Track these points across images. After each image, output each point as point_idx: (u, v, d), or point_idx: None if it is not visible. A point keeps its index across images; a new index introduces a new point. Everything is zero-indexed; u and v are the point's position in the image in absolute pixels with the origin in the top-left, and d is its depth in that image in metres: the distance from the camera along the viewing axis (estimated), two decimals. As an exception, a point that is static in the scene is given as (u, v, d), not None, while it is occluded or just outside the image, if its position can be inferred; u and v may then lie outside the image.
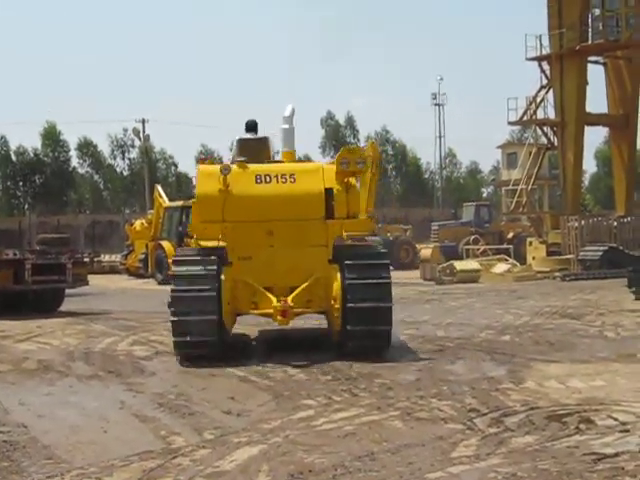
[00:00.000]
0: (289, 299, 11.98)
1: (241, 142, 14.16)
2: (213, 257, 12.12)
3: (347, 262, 11.91)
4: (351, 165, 12.48)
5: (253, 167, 12.79)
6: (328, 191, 12.48)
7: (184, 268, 12.15)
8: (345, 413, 8.28)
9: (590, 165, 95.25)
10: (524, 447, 6.80)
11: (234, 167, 12.62)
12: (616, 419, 7.68)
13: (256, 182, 12.55)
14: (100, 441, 7.39)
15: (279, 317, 11.94)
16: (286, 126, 14.82)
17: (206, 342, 11.64)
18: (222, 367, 11.26)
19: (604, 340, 13.48)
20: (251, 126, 14.45)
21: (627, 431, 7.25)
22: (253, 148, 13.80)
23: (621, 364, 10.94)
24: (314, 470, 6.28)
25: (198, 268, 12.02)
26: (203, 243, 12.70)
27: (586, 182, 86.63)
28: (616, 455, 6.48)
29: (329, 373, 10.68)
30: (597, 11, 38.58)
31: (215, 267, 11.96)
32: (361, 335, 11.73)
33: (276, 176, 12.60)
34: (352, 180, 12.76)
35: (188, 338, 11.60)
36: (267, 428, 7.71)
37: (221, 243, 12.33)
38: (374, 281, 11.78)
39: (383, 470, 6.25)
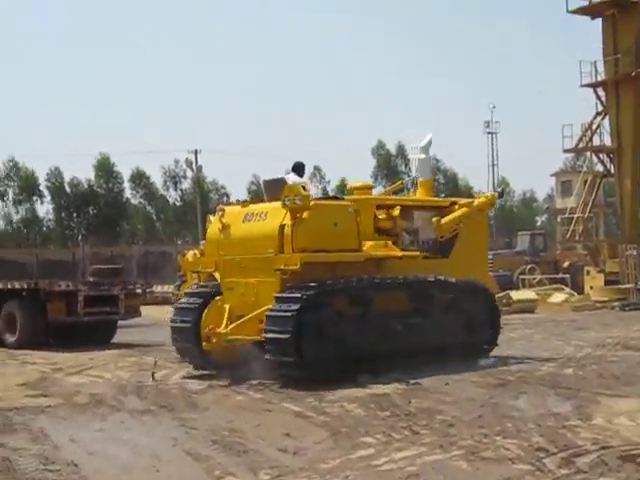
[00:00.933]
0: (222, 326, 13.42)
1: (264, 183, 15.24)
2: (202, 290, 14.74)
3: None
4: (291, 202, 13.07)
5: (249, 207, 14.42)
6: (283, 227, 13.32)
7: (182, 300, 14.96)
8: (406, 452, 7.93)
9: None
10: (600, 491, 6.41)
11: (233, 208, 14.82)
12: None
13: (243, 221, 14.02)
14: (152, 481, 7.12)
15: (204, 342, 13.54)
16: (422, 156, 16.57)
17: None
18: (276, 403, 10.98)
19: (673, 373, 12.97)
20: (296, 167, 15.04)
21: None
22: (273, 188, 14.26)
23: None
24: (377, 515, 5.93)
25: (187, 301, 14.61)
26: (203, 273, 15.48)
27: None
28: (698, 501, 6.07)
29: (387, 409, 10.33)
30: (653, 36, 38.00)
31: (199, 300, 14.28)
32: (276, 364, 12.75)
33: (258, 214, 13.92)
34: (304, 215, 13.19)
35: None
36: (325, 468, 7.39)
37: (216, 274, 14.56)
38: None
39: (450, 516, 5.90)
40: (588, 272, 35.62)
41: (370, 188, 15.96)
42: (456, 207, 16.07)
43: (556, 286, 34.19)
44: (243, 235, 13.91)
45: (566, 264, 40.61)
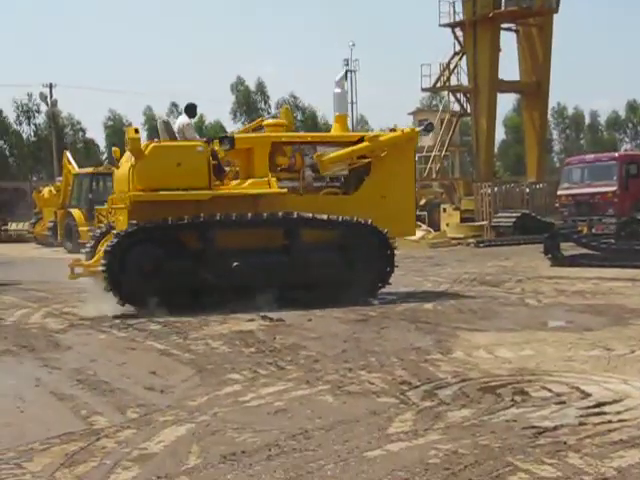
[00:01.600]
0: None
1: (158, 124, 15.78)
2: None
3: None
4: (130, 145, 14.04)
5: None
6: None
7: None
8: (273, 388, 8.00)
9: (499, 132, 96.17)
10: (462, 421, 6.60)
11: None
12: (550, 390, 7.55)
13: (124, 163, 14.75)
14: (17, 423, 6.97)
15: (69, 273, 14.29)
16: (338, 90, 16.28)
17: None
18: (140, 341, 10.92)
19: (526, 308, 13.44)
20: (186, 108, 15.48)
21: (563, 403, 7.11)
22: (163, 129, 15.22)
23: (547, 332, 10.87)
24: (247, 451, 5.98)
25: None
26: None
27: (495, 149, 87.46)
28: (555, 429, 6.32)
29: (252, 345, 10.40)
30: (511, -22, 38.71)
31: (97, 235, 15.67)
32: None
33: (129, 157, 14.42)
34: (144, 157, 14.00)
35: None
36: (193, 405, 7.38)
37: None
38: None
39: (319, 449, 5.99)
40: (444, 209, 36.39)
41: (282, 125, 15.79)
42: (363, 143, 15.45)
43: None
44: (119, 177, 14.97)
45: (423, 202, 41.35)
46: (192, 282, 13.60)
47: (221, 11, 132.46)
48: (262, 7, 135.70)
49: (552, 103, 77.90)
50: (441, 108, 48.27)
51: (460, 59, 41.51)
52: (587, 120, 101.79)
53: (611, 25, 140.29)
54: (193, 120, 15.71)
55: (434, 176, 42.75)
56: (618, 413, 6.75)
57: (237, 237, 14.00)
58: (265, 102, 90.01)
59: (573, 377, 8.06)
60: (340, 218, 14.38)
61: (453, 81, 41.94)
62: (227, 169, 15.20)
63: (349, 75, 18.81)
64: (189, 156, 14.10)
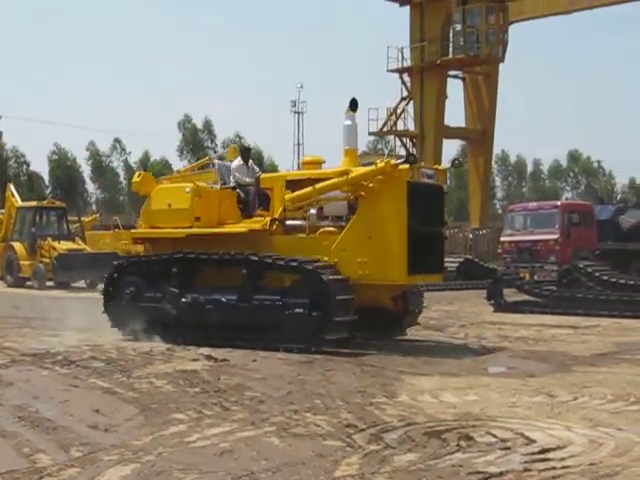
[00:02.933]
0: None
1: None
2: None
3: None
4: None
5: None
6: None
7: None
8: (219, 428, 7.95)
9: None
10: (408, 466, 6.63)
11: None
12: (495, 436, 7.60)
13: None
14: (-43, 459, 6.86)
15: None
16: (348, 122, 15.27)
17: None
18: (83, 379, 10.79)
19: (470, 353, 13.54)
20: (241, 151, 16.37)
21: (508, 448, 7.17)
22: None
23: (491, 378, 10.96)
24: (193, 492, 5.94)
25: None
26: None
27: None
28: (501, 474, 6.37)
29: (197, 385, 10.33)
30: (458, 26, 39.32)
31: None
32: None
33: None
34: (150, 197, 15.95)
35: None
36: (138, 445, 7.31)
37: None
38: None
39: (266, 492, 5.97)
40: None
41: (319, 163, 15.61)
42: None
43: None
44: None
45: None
46: (160, 315, 14.77)
47: (172, 49, 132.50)
48: (212, 47, 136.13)
49: (496, 150, 78.88)
50: (387, 152, 48.70)
51: (407, 104, 42.00)
52: (530, 168, 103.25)
53: (555, 75, 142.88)
54: (250, 162, 16.18)
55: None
56: (562, 460, 6.82)
57: (203, 274, 14.92)
58: (212, 141, 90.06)
59: (517, 423, 8.12)
60: (286, 260, 13.79)
61: (400, 126, 42.41)
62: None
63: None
64: (177, 196, 15.31)
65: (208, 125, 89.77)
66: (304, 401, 9.29)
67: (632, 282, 22.00)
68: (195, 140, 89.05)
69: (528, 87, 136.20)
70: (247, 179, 15.70)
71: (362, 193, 14.01)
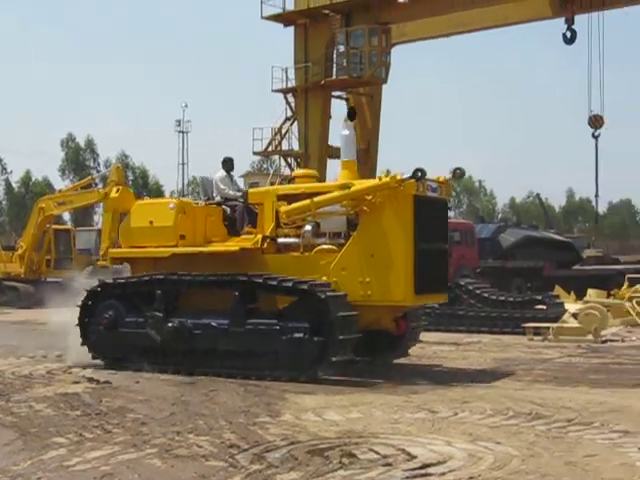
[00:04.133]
0: None
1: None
2: None
3: None
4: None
5: None
6: None
7: None
8: (100, 452, 7.84)
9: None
10: (290, 484, 6.64)
11: None
12: (377, 452, 7.68)
13: None
14: None
15: None
16: (345, 132, 14.49)
17: None
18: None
19: (355, 370, 13.60)
20: (223, 162, 15.46)
21: (389, 465, 7.25)
22: (202, 185, 16.14)
23: (375, 395, 11.06)
24: (71, 517, 5.83)
25: None
26: None
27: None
28: (382, 491, 6.44)
29: (78, 408, 10.16)
30: (342, 48, 39.62)
31: None
32: None
33: None
34: (129, 214, 15.16)
35: None
36: (16, 470, 7.16)
37: None
38: None
39: (147, 514, 5.89)
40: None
41: (312, 177, 15.03)
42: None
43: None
44: None
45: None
46: (143, 340, 13.74)
47: (56, 66, 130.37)
48: (95, 64, 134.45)
49: (380, 170, 79.77)
50: (272, 172, 48.76)
51: (292, 124, 42.11)
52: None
53: (437, 96, 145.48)
54: (232, 173, 15.66)
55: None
56: (442, 474, 6.93)
57: (189, 297, 13.95)
58: (94, 160, 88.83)
59: (399, 439, 8.22)
60: (284, 281, 12.78)
61: (284, 145, 42.45)
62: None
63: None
64: (160, 213, 14.52)
65: (90, 144, 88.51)
66: (187, 422, 9.22)
67: (512, 299, 22.48)
68: (78, 159, 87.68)
69: (412, 107, 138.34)
70: (232, 192, 15.04)
71: (364, 208, 13.13)
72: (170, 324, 13.36)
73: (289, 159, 43.14)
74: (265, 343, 12.64)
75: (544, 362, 15.06)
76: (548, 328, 18.98)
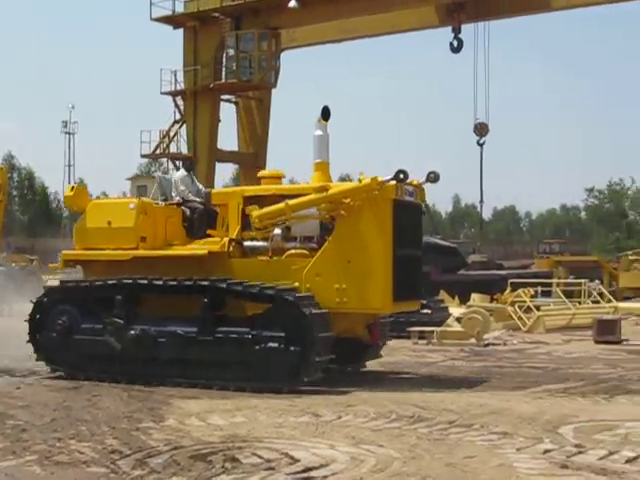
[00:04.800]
0: None
1: None
2: None
3: None
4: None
5: None
6: None
7: None
8: (-23, 459, 7.67)
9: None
10: (172, 490, 6.60)
11: None
12: (260, 456, 7.69)
13: None
14: None
15: None
16: (318, 132, 13.73)
17: None
18: None
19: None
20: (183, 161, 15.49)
21: (272, 468, 7.27)
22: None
23: (259, 400, 11.06)
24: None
25: None
26: None
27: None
28: (264, 494, 6.45)
29: (-45, 414, 9.91)
30: (231, 51, 39.58)
31: None
32: None
33: None
34: (84, 214, 14.17)
35: None
36: None
37: None
38: None
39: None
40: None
41: (279, 177, 14.23)
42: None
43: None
44: None
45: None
46: (102, 348, 12.99)
47: None
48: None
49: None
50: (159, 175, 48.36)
51: (180, 127, 41.86)
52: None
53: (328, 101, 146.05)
54: (192, 173, 15.19)
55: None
56: (324, 477, 6.99)
57: (152, 303, 13.15)
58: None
59: (283, 443, 8.24)
60: (260, 288, 12.32)
61: (173, 148, 42.18)
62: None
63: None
64: (120, 213, 13.79)
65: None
66: (69, 428, 9.09)
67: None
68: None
69: (302, 112, 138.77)
70: (191, 195, 14.53)
71: (341, 212, 12.68)
72: (132, 331, 12.67)
73: (177, 162, 42.85)
74: (236, 352, 12.12)
75: (428, 365, 15.31)
76: (432, 332, 19.27)
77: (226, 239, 13.24)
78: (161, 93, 41.67)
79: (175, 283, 12.70)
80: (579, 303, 26.86)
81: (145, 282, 12.91)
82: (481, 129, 35.64)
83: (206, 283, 12.52)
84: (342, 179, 60.04)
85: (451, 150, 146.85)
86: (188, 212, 14.25)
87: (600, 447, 8.07)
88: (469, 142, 33.97)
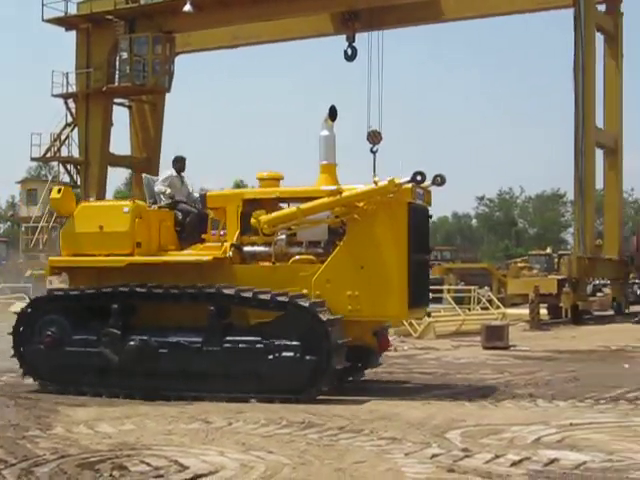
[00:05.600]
0: None
1: None
2: None
3: None
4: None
5: None
6: None
7: None
8: None
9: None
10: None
11: None
12: (149, 464, 7.62)
13: None
14: None
15: None
16: (325, 133, 13.20)
17: None
18: None
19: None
20: (173, 161, 14.31)
21: (161, 476, 7.21)
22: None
23: (150, 407, 10.97)
24: None
25: None
26: None
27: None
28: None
29: None
30: (125, 54, 39.22)
31: None
32: None
33: None
34: (71, 218, 13.36)
35: None
36: None
37: None
38: None
39: None
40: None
41: (277, 179, 13.44)
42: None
43: (19, 295, 33.74)
44: None
45: (28, 273, 40.22)
46: (95, 360, 12.20)
47: None
48: None
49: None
50: (50, 178, 47.63)
51: (72, 130, 41.29)
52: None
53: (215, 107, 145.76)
54: (182, 174, 14.28)
55: (41, 247, 41.86)
56: (214, 485, 6.96)
57: (151, 312, 12.42)
58: None
59: (172, 450, 8.19)
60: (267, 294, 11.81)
61: (64, 152, 41.58)
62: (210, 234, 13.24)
63: (334, 115, 13.50)
64: (113, 217, 12.94)
65: None
66: (-49, 437, 8.86)
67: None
68: None
69: (195, 117, 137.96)
70: (181, 197, 13.88)
71: (355, 216, 12.22)
72: (133, 343, 11.95)
73: (69, 166, 42.25)
74: (246, 363, 11.60)
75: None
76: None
77: (227, 244, 12.62)
78: (52, 95, 41.05)
79: (178, 291, 12.08)
80: (469, 309, 27.41)
81: (144, 290, 12.18)
82: (374, 137, 35.86)
83: (213, 290, 11.92)
84: (237, 185, 59.84)
85: (346, 157, 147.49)
86: (180, 216, 13.61)
87: (486, 451, 8.20)
88: (363, 149, 34.08)
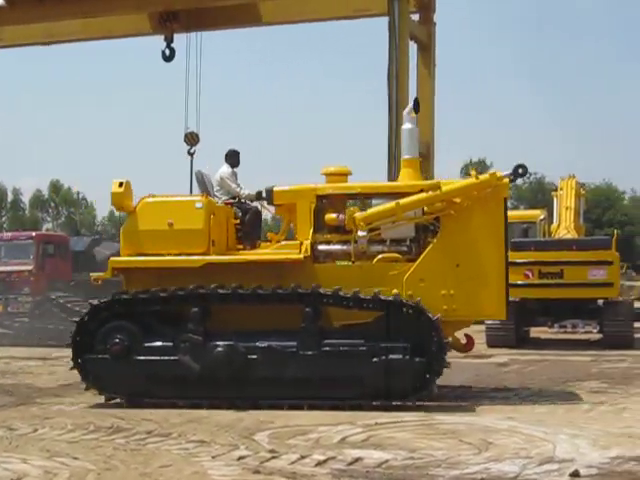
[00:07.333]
0: None
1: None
2: None
3: None
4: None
5: None
6: None
7: None
8: None
9: None
10: None
11: None
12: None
13: None
14: None
15: None
16: (409, 126, 12.59)
17: None
18: None
19: None
20: (227, 155, 13.56)
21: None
22: (197, 181, 13.63)
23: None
24: None
25: None
26: None
27: None
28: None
29: None
30: None
31: None
32: None
33: None
34: (132, 216, 12.21)
35: None
36: None
37: None
38: None
39: None
40: None
41: (345, 174, 12.57)
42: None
43: None
44: None
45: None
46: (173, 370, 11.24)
47: None
48: None
49: None
50: None
51: None
52: (10, 197, 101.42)
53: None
54: (236, 170, 13.47)
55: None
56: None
57: (234, 316, 11.48)
58: None
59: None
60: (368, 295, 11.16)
61: None
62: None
63: (418, 107, 12.49)
64: (184, 213, 11.87)
65: None
66: None
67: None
68: None
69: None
70: (246, 191, 13.20)
71: (451, 212, 11.69)
72: (219, 349, 11.11)
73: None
74: (348, 367, 10.94)
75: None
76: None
77: (307, 243, 11.88)
78: None
79: (269, 292, 11.30)
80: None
81: (228, 292, 11.36)
82: (191, 138, 35.77)
83: (308, 291, 11.21)
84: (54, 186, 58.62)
85: (161, 161, 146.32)
86: (239, 213, 12.95)
87: (292, 452, 8.34)
88: (180, 151, 33.92)
